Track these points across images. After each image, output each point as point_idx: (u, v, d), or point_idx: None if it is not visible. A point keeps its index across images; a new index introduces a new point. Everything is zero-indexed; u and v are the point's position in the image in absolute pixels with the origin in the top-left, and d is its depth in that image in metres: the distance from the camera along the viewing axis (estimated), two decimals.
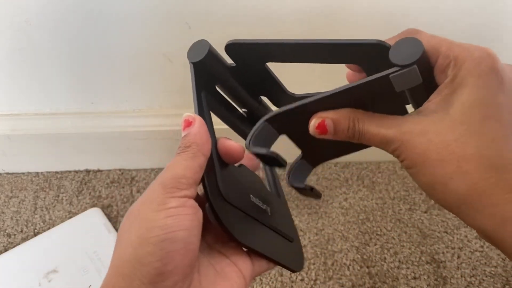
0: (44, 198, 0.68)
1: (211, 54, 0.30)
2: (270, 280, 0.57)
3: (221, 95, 0.33)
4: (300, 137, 0.29)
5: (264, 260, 0.29)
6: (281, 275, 0.57)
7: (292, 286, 0.56)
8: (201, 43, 0.31)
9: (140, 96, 0.64)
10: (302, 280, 0.57)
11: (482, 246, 0.61)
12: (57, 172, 0.72)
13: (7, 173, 0.72)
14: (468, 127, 0.22)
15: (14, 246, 0.61)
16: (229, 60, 0.32)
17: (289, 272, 0.57)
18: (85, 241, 0.60)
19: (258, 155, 0.27)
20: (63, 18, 0.53)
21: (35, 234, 0.63)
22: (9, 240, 0.63)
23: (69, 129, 0.66)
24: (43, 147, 0.68)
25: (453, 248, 0.60)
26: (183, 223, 0.23)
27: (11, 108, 0.65)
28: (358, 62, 0.29)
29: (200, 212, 0.24)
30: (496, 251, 0.60)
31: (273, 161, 0.26)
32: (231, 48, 0.31)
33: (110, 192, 0.69)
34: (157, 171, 0.71)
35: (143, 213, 0.23)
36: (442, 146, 0.22)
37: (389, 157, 0.25)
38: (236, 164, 0.32)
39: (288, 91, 0.34)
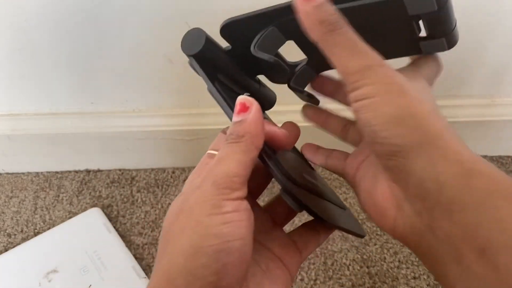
0: (44, 198, 0.68)
1: (209, 42, 0.28)
2: None
3: (223, 84, 0.32)
4: (306, 42, 0.26)
5: (312, 242, 0.28)
6: None
7: (292, 286, 0.56)
8: (195, 32, 0.29)
9: (140, 96, 0.64)
10: (302, 280, 0.57)
11: None
12: (57, 172, 0.72)
13: (7, 173, 0.72)
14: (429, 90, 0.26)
15: (14, 246, 0.61)
16: (223, 44, 0.31)
17: None
18: (85, 241, 0.60)
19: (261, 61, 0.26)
20: (63, 18, 0.53)
21: (35, 234, 0.63)
22: (9, 240, 0.63)
23: (69, 129, 0.66)
24: (43, 147, 0.68)
25: None
26: (239, 231, 0.21)
27: (11, 108, 0.65)
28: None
29: (253, 215, 0.22)
30: None
31: (276, 67, 0.25)
32: (227, 29, 0.29)
33: (110, 192, 0.69)
34: (157, 171, 0.71)
35: (196, 215, 0.21)
36: (418, 89, 0.24)
37: None
38: None
39: (287, 61, 0.33)
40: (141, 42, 0.56)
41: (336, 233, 0.62)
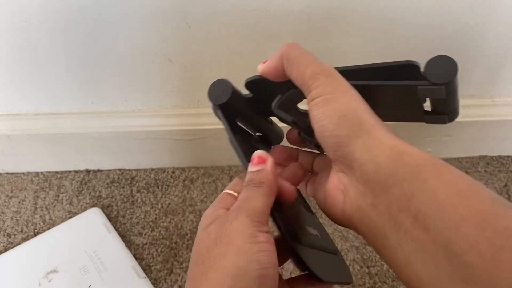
0: (44, 198, 0.68)
1: (235, 93, 0.31)
2: None
3: (240, 127, 0.35)
4: None
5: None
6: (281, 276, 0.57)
7: None
8: (223, 83, 0.32)
9: (140, 96, 0.64)
10: None
11: None
12: (57, 172, 0.72)
13: (7, 173, 0.72)
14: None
15: (14, 246, 0.61)
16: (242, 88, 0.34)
17: (289, 272, 0.57)
18: (85, 241, 0.60)
19: (280, 118, 0.30)
20: (63, 18, 0.53)
21: (35, 234, 0.63)
22: (9, 240, 0.63)
23: (69, 129, 0.66)
24: (43, 147, 0.68)
25: None
26: (272, 259, 0.23)
27: (11, 108, 0.65)
28: (397, 79, 0.31)
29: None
30: None
31: (294, 125, 0.29)
32: (251, 84, 0.33)
33: (110, 192, 0.69)
34: (157, 171, 0.71)
35: (237, 242, 0.23)
36: (340, 90, 0.27)
37: None
38: None
39: (301, 109, 0.36)
40: (141, 42, 0.56)
41: (336, 233, 0.62)
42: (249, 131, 0.36)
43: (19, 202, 0.68)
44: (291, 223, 0.28)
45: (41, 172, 0.72)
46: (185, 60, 0.59)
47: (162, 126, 0.65)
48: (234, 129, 0.32)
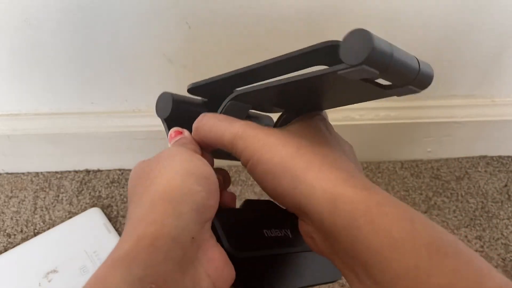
0: (44, 198, 0.68)
1: (178, 103, 0.31)
2: None
3: None
4: (267, 107, 0.30)
5: None
6: None
7: None
8: (165, 96, 0.32)
9: (140, 96, 0.64)
10: None
11: (482, 246, 0.61)
12: (57, 172, 0.72)
13: (7, 173, 0.72)
14: (294, 128, 0.27)
15: (14, 246, 0.61)
16: None
17: None
18: (85, 241, 0.60)
19: None
20: (63, 18, 0.53)
21: (35, 234, 0.63)
22: (9, 240, 0.63)
23: (69, 129, 0.66)
24: (43, 147, 0.68)
25: None
26: (214, 172, 0.25)
27: (11, 108, 0.65)
28: (319, 64, 0.28)
29: None
30: (496, 251, 0.60)
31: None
32: (193, 91, 0.32)
33: (110, 192, 0.69)
34: None
35: (178, 159, 0.25)
36: (279, 134, 0.25)
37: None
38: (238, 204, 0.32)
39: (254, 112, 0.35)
40: (141, 42, 0.56)
41: None
42: None
43: (19, 202, 0.68)
44: (235, 234, 0.27)
45: (41, 172, 0.72)
46: (185, 60, 0.59)
47: (162, 126, 0.65)
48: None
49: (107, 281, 0.18)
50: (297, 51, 0.25)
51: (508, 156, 0.72)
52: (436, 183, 0.69)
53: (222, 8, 0.52)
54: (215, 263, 0.23)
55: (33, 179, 0.71)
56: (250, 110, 0.36)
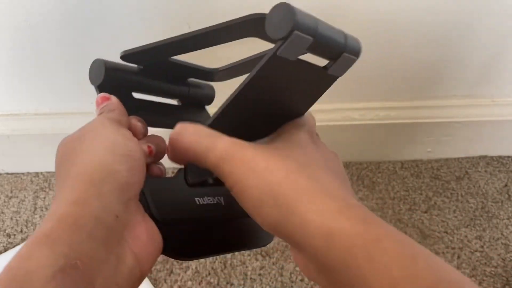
0: (44, 198, 0.68)
1: (111, 70, 0.31)
2: (270, 280, 0.57)
3: (143, 100, 0.33)
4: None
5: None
6: (281, 275, 0.57)
7: (292, 286, 0.56)
8: (97, 63, 0.31)
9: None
10: (302, 280, 0.57)
11: (482, 246, 0.61)
12: None
13: (7, 173, 0.72)
14: (284, 148, 0.25)
15: (14, 246, 0.61)
16: None
17: (289, 272, 0.57)
18: None
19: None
20: (63, 18, 0.53)
21: None
22: (9, 240, 0.63)
23: (69, 129, 0.65)
24: (43, 147, 0.68)
25: (453, 248, 0.60)
26: (138, 147, 0.25)
27: (11, 108, 0.65)
28: (249, 36, 0.28)
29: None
30: (496, 251, 0.60)
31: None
32: (126, 59, 0.32)
33: None
34: None
35: (103, 134, 0.25)
36: (267, 156, 0.23)
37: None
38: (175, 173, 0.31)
39: (208, 68, 0.34)
40: (141, 42, 0.56)
41: None
42: (162, 102, 0.34)
43: (19, 202, 0.68)
44: (162, 201, 0.26)
45: (41, 172, 0.72)
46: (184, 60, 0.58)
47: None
48: (130, 103, 0.31)
49: (32, 258, 0.18)
50: (227, 21, 0.25)
51: (508, 156, 0.72)
52: (436, 183, 0.69)
53: (222, 9, 0.52)
54: (140, 239, 0.23)
55: (33, 179, 0.71)
56: (190, 79, 0.36)
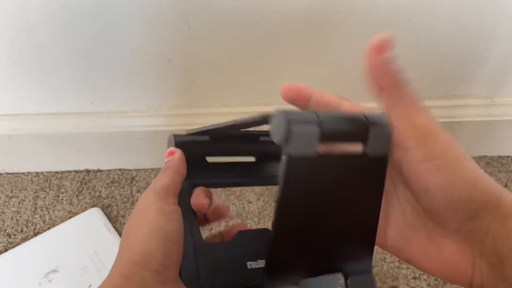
0: (44, 198, 0.68)
1: (181, 143, 0.34)
2: None
3: (217, 163, 0.34)
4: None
5: None
6: None
7: None
8: (169, 138, 0.35)
9: (140, 96, 0.64)
10: None
11: None
12: (57, 172, 0.72)
13: (7, 173, 0.72)
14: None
15: (14, 246, 0.61)
16: None
17: None
18: (85, 241, 0.60)
19: None
20: (63, 18, 0.53)
21: (35, 234, 0.63)
22: (9, 240, 0.63)
23: (69, 129, 0.66)
24: (43, 147, 0.68)
25: None
26: (177, 227, 0.28)
27: (11, 108, 0.65)
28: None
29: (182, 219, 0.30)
30: None
31: None
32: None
33: (110, 192, 0.69)
34: (156, 171, 0.71)
35: (146, 215, 0.28)
36: (460, 153, 0.23)
37: None
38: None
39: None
40: (141, 42, 0.56)
41: None
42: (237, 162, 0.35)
43: (19, 202, 0.68)
44: (210, 269, 0.29)
45: (41, 172, 0.72)
46: (185, 60, 0.59)
47: (162, 126, 0.65)
48: (207, 168, 0.34)
49: None
50: (241, 120, 0.26)
51: (508, 156, 0.72)
52: None
53: (222, 8, 0.52)
54: None
55: (33, 179, 0.71)
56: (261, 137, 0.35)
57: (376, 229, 0.25)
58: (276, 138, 0.21)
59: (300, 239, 0.23)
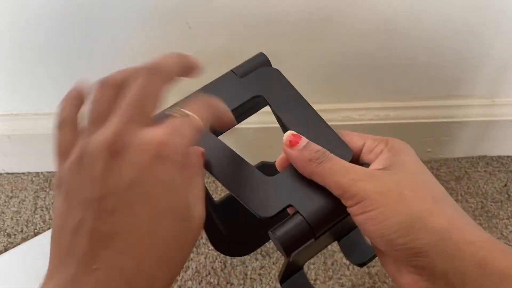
0: (44, 198, 0.68)
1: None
2: (270, 280, 0.57)
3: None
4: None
5: None
6: None
7: None
8: None
9: None
10: None
11: None
12: None
13: (7, 173, 0.72)
14: (424, 175, 0.26)
15: (14, 246, 0.61)
16: None
17: None
18: None
19: None
20: (63, 18, 0.53)
21: (35, 234, 0.63)
22: (9, 240, 0.63)
23: None
24: (43, 147, 0.68)
25: None
26: (196, 236, 0.26)
27: (11, 108, 0.65)
28: None
29: None
30: None
31: None
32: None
33: None
34: None
35: (159, 203, 0.26)
36: (413, 186, 0.24)
37: None
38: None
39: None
40: (141, 42, 0.56)
41: None
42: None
43: (19, 202, 0.68)
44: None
45: (41, 172, 0.72)
46: None
47: None
48: None
49: None
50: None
51: (508, 156, 0.72)
52: None
53: (222, 8, 0.52)
54: None
55: (33, 179, 0.71)
56: None
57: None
58: (281, 251, 0.25)
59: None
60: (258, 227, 0.30)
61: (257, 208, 0.26)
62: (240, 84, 0.32)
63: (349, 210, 0.25)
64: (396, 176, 0.25)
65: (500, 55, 0.59)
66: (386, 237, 0.23)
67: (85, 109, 0.25)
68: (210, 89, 0.33)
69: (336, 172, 0.25)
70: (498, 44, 0.58)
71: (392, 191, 0.24)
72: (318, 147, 0.26)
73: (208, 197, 0.33)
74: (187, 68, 0.29)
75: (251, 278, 0.58)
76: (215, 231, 0.33)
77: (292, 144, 0.26)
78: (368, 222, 0.24)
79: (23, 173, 0.72)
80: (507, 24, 0.55)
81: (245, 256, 0.60)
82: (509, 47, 0.58)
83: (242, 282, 0.57)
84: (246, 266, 0.59)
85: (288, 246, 0.25)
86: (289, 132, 0.27)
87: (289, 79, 0.35)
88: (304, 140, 0.26)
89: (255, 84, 0.32)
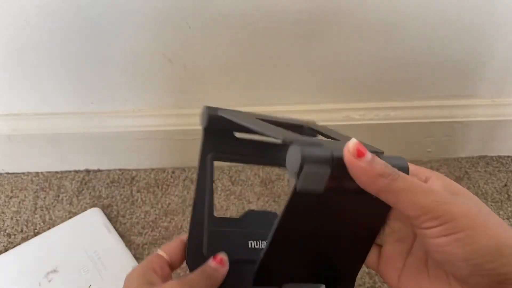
0: (44, 198, 0.68)
1: (213, 116, 0.33)
2: None
3: (244, 139, 0.35)
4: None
5: None
6: None
7: None
8: (203, 110, 0.33)
9: (140, 96, 0.64)
10: None
11: None
12: (57, 172, 0.72)
13: (7, 173, 0.72)
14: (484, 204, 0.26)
15: (14, 246, 0.61)
16: None
17: None
18: (85, 241, 0.60)
19: None
20: (63, 18, 0.53)
21: (35, 234, 0.63)
22: (9, 240, 0.63)
23: (69, 129, 0.66)
24: (43, 147, 0.68)
25: None
26: None
27: (11, 108, 0.65)
28: None
29: None
30: None
31: None
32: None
33: (110, 192, 0.69)
34: (157, 171, 0.71)
35: None
36: (489, 212, 0.24)
37: None
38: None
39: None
40: (141, 42, 0.56)
41: None
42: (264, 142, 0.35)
43: (19, 202, 0.68)
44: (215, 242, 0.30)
45: (41, 172, 0.72)
46: (185, 60, 0.59)
47: (162, 126, 0.65)
48: (235, 143, 0.33)
49: None
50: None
51: (508, 156, 0.72)
52: None
53: (222, 8, 0.52)
54: None
55: (33, 179, 0.71)
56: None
57: (363, 261, 0.27)
58: (290, 169, 0.22)
59: (292, 254, 0.25)
60: None
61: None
62: None
63: (426, 232, 0.23)
64: (471, 202, 0.24)
65: (501, 55, 0.59)
66: (473, 261, 0.23)
67: None
68: None
69: (414, 193, 0.23)
70: (500, 44, 0.58)
71: (477, 215, 0.23)
72: (382, 161, 0.23)
73: None
74: None
75: None
76: None
77: (360, 154, 0.23)
78: (453, 244, 0.23)
79: (23, 173, 0.72)
80: (509, 24, 0.55)
81: None
82: (509, 47, 0.58)
83: None
84: None
85: (306, 162, 0.21)
86: (355, 140, 0.23)
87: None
88: (369, 153, 0.23)
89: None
